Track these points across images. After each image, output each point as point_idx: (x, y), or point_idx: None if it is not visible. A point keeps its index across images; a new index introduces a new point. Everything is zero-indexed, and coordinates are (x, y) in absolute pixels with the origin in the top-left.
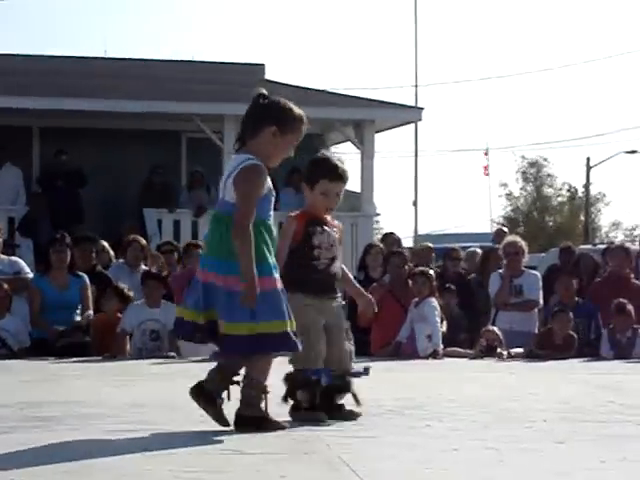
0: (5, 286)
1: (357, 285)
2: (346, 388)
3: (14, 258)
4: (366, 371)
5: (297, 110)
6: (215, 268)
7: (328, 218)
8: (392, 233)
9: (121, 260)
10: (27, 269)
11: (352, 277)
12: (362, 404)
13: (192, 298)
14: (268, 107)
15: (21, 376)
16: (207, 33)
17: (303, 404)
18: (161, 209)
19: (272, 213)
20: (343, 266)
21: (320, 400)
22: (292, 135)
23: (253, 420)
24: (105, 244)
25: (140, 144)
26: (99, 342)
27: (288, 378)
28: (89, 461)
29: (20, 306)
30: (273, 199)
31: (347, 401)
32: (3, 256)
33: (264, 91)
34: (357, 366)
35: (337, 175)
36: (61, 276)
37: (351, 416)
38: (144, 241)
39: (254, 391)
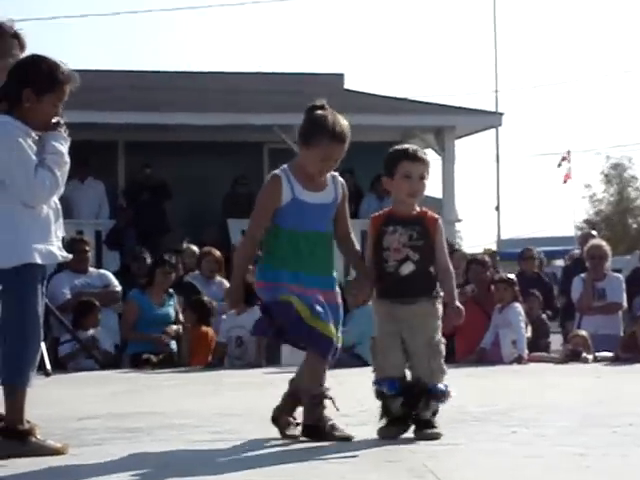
0: (97, 303)
1: (451, 291)
2: (422, 399)
3: (102, 271)
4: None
5: (328, 125)
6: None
7: (416, 210)
8: None
9: (197, 271)
10: (115, 282)
11: (452, 282)
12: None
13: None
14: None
15: (110, 387)
16: (287, 44)
17: (381, 417)
18: (245, 219)
19: (312, 222)
20: (449, 267)
21: (405, 410)
22: (318, 149)
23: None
24: (195, 248)
25: (223, 156)
26: (187, 353)
27: None
28: (178, 473)
29: (108, 318)
30: (310, 208)
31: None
32: (92, 269)
33: (319, 102)
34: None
35: (417, 157)
36: (161, 293)
37: (427, 437)
38: (218, 253)
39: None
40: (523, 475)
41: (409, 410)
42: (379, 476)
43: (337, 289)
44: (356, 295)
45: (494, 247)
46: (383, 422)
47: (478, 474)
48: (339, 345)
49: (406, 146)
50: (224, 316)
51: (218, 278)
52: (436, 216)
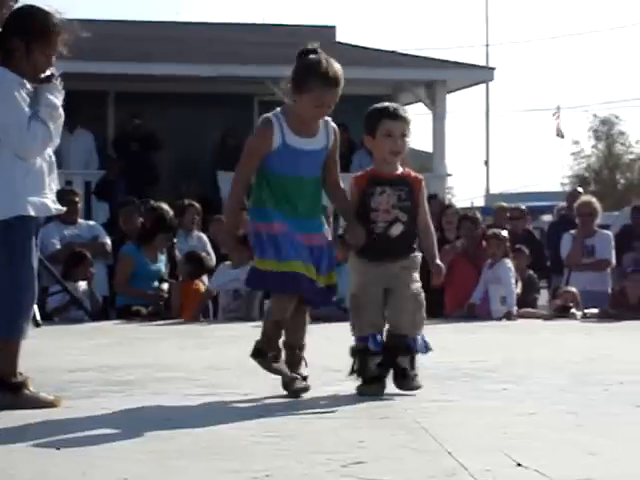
0: (88, 255)
1: (433, 249)
2: (402, 351)
3: (92, 222)
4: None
5: (321, 69)
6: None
7: (399, 170)
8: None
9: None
10: (104, 233)
11: (434, 239)
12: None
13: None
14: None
15: (100, 339)
16: None
17: (358, 375)
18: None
19: (302, 168)
20: (430, 225)
21: (382, 368)
22: (311, 94)
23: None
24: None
25: (213, 107)
26: (178, 306)
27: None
28: (171, 426)
29: (97, 270)
30: (300, 154)
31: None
32: (81, 221)
33: (311, 46)
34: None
35: (398, 115)
36: (156, 251)
37: (409, 388)
38: (198, 205)
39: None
40: (515, 433)
41: (386, 368)
42: (372, 433)
43: (325, 231)
44: (350, 240)
45: (482, 201)
46: (361, 380)
47: (471, 431)
48: (317, 281)
49: (386, 104)
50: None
51: (196, 232)
52: (420, 176)
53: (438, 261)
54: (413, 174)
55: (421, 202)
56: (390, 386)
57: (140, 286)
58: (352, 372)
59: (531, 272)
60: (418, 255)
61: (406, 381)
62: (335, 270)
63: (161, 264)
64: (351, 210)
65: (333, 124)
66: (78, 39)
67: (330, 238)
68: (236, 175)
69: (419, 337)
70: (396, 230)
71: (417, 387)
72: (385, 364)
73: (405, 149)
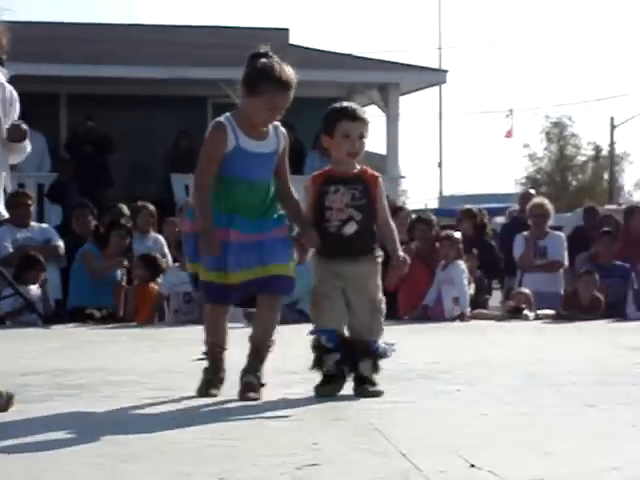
0: (41, 259)
1: (395, 243)
2: (362, 354)
3: (44, 225)
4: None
5: (274, 73)
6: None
7: (355, 169)
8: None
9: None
10: (57, 236)
11: (394, 234)
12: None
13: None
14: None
15: (52, 343)
16: None
17: (312, 367)
18: (188, 174)
19: (253, 171)
20: (389, 221)
21: (340, 368)
22: (264, 97)
23: None
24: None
25: (166, 110)
26: (132, 309)
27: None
28: (124, 430)
29: (50, 274)
30: (252, 157)
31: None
32: (34, 224)
33: (262, 49)
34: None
35: (356, 116)
36: (113, 255)
37: (369, 394)
38: (152, 207)
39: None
40: (468, 433)
41: (343, 368)
42: (326, 435)
43: (283, 225)
44: (304, 244)
45: (436, 203)
46: (319, 380)
47: (424, 432)
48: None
49: (345, 104)
50: (169, 269)
51: (152, 233)
52: (376, 174)
53: (401, 252)
54: (369, 172)
55: (378, 199)
56: (345, 386)
57: (97, 291)
58: (313, 366)
59: (479, 272)
60: (379, 257)
61: (363, 388)
62: (293, 262)
63: (117, 271)
64: (304, 217)
65: (282, 129)
66: (32, 41)
67: (286, 232)
68: (199, 181)
69: (379, 342)
70: (349, 229)
71: (375, 394)
72: (344, 363)
73: (363, 150)
